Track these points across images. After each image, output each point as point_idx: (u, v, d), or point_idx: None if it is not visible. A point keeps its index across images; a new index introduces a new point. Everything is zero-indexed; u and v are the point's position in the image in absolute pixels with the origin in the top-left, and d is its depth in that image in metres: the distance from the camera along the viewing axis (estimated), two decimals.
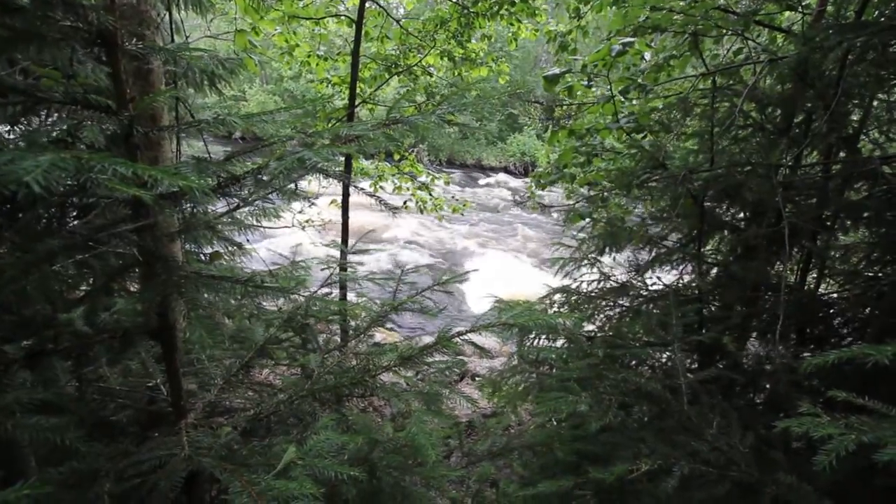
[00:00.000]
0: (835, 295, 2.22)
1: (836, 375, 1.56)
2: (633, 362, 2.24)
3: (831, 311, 2.10)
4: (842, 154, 2.16)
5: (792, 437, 1.62)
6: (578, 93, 2.69)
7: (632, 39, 2.34)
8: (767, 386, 1.98)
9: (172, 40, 2.37)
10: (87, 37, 1.10)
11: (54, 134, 1.40)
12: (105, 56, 1.14)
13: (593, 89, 2.71)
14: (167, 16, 2.34)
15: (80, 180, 0.86)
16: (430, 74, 5.06)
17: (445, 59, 4.96)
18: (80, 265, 1.27)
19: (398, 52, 4.94)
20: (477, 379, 4.67)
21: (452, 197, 5.76)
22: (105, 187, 0.92)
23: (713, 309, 2.42)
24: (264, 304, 1.82)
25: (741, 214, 2.42)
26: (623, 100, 2.62)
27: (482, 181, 21.87)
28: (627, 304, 2.55)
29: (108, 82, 1.19)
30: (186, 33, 2.92)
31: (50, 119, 1.40)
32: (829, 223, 2.11)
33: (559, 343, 2.47)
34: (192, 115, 1.83)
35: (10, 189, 0.67)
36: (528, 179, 3.86)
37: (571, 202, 2.83)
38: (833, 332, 2.08)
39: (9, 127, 1.47)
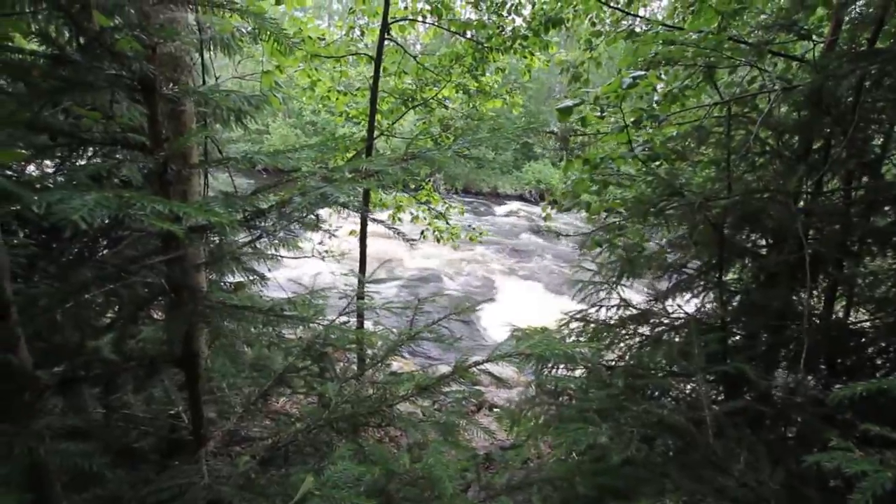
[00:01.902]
0: (866, 324, 2.14)
1: (870, 408, 1.50)
2: (656, 393, 2.18)
3: (863, 340, 2.03)
4: (864, 179, 2.14)
5: (827, 474, 1.55)
6: (592, 123, 2.74)
7: (642, 73, 2.40)
8: (799, 419, 1.90)
9: (203, 81, 2.53)
10: (129, 83, 1.20)
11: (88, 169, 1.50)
12: (144, 100, 1.23)
13: (606, 119, 2.76)
14: (199, 58, 2.51)
15: (120, 216, 0.92)
16: (446, 107, 5.23)
17: (461, 91, 5.13)
18: (109, 294, 1.33)
19: (415, 86, 5.14)
20: (494, 410, 4.58)
21: (469, 226, 5.81)
22: (139, 221, 0.98)
23: (737, 338, 2.36)
24: (284, 332, 1.86)
25: (762, 241, 2.39)
26: (636, 129, 2.66)
27: (498, 209, 22.02)
28: (648, 333, 2.51)
29: (141, 120, 1.28)
30: (216, 73, 3.11)
31: (86, 156, 1.50)
32: (854, 250, 2.07)
33: (578, 372, 2.43)
34: (220, 150, 1.94)
35: (60, 225, 0.73)
36: (543, 205, 3.91)
37: (589, 229, 2.84)
38: (866, 362, 2.00)
39: (52, 163, 1.59)
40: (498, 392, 4.79)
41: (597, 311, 2.78)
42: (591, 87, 3.31)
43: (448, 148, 1.24)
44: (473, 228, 5.71)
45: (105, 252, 1.57)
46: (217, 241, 1.45)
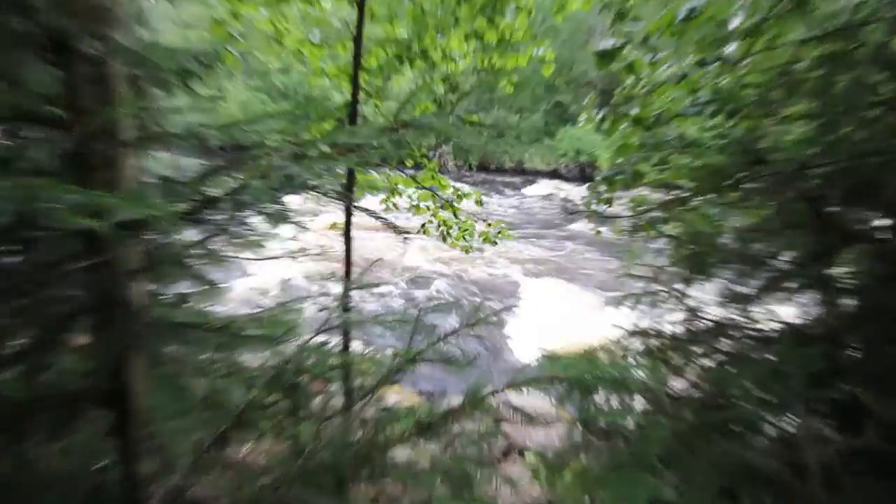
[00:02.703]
0: None
1: None
2: (740, 430, 2.15)
3: None
4: None
5: None
6: (642, 71, 2.70)
7: None
8: None
9: (138, 36, 2.55)
10: (39, 41, 1.21)
11: None
12: (58, 62, 1.24)
13: (661, 64, 2.71)
14: (132, 7, 2.53)
15: (28, 212, 0.93)
16: (454, 60, 5.18)
17: (472, 40, 5.08)
18: (15, 313, 1.34)
19: (411, 34, 5.11)
20: (526, 455, 4.56)
21: (485, 221, 5.64)
22: (53, 218, 0.99)
23: (852, 353, 2.32)
24: (245, 357, 1.87)
25: (881, 221, 2.34)
26: (701, 77, 2.62)
27: (525, 190, 21.92)
28: (728, 350, 2.50)
29: (58, 90, 1.29)
30: (155, 26, 3.14)
31: None
32: None
33: (635, 405, 2.42)
34: (159, 124, 1.94)
35: None
36: (585, 190, 3.85)
37: (641, 211, 2.81)
38: None
39: None
40: (530, 433, 4.76)
41: (657, 322, 2.76)
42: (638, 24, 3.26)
43: (451, 112, 1.23)
44: (489, 225, 5.57)
45: (10, 259, 1.58)
46: (157, 242, 1.46)
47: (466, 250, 5.47)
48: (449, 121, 1.24)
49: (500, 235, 5.59)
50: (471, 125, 1.29)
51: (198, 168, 1.41)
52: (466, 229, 5.39)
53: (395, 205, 5.14)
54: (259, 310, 2.17)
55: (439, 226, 5.38)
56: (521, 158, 24.96)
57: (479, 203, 5.69)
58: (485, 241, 5.52)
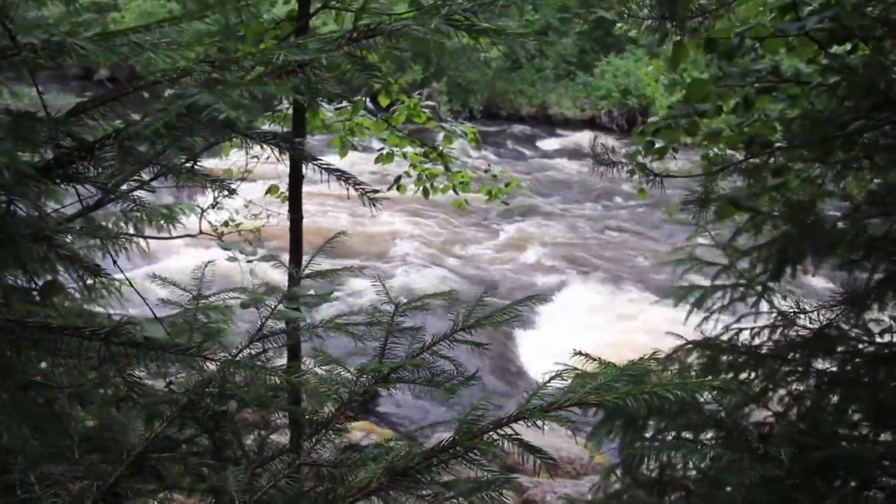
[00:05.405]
0: None
1: None
2: (851, 480, 2.17)
3: None
4: None
5: None
6: None
7: None
8: None
9: None
10: None
11: None
12: None
13: None
14: None
15: None
16: None
17: None
18: None
19: None
20: None
21: (486, 171, 5.71)
22: None
23: None
24: (145, 376, 1.85)
25: None
26: None
27: (546, 144, 21.92)
28: (834, 370, 2.53)
29: None
30: None
31: None
32: None
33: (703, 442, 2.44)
34: (12, 37, 1.89)
35: None
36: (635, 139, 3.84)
37: (713, 173, 2.80)
38: None
39: None
40: (552, 483, 4.80)
41: (733, 334, 2.82)
42: None
43: (436, 12, 1.18)
44: (494, 176, 5.60)
45: None
46: (7, 208, 1.42)
47: (459, 205, 5.54)
48: (432, 24, 1.18)
49: (509, 188, 5.65)
50: (470, 33, 1.24)
51: (70, 103, 1.37)
52: (462, 181, 5.39)
53: (352, 145, 5.08)
54: (172, 312, 2.15)
55: (423, 177, 5.39)
56: (545, 101, 24.91)
57: (475, 143, 5.70)
58: (489, 197, 5.57)
